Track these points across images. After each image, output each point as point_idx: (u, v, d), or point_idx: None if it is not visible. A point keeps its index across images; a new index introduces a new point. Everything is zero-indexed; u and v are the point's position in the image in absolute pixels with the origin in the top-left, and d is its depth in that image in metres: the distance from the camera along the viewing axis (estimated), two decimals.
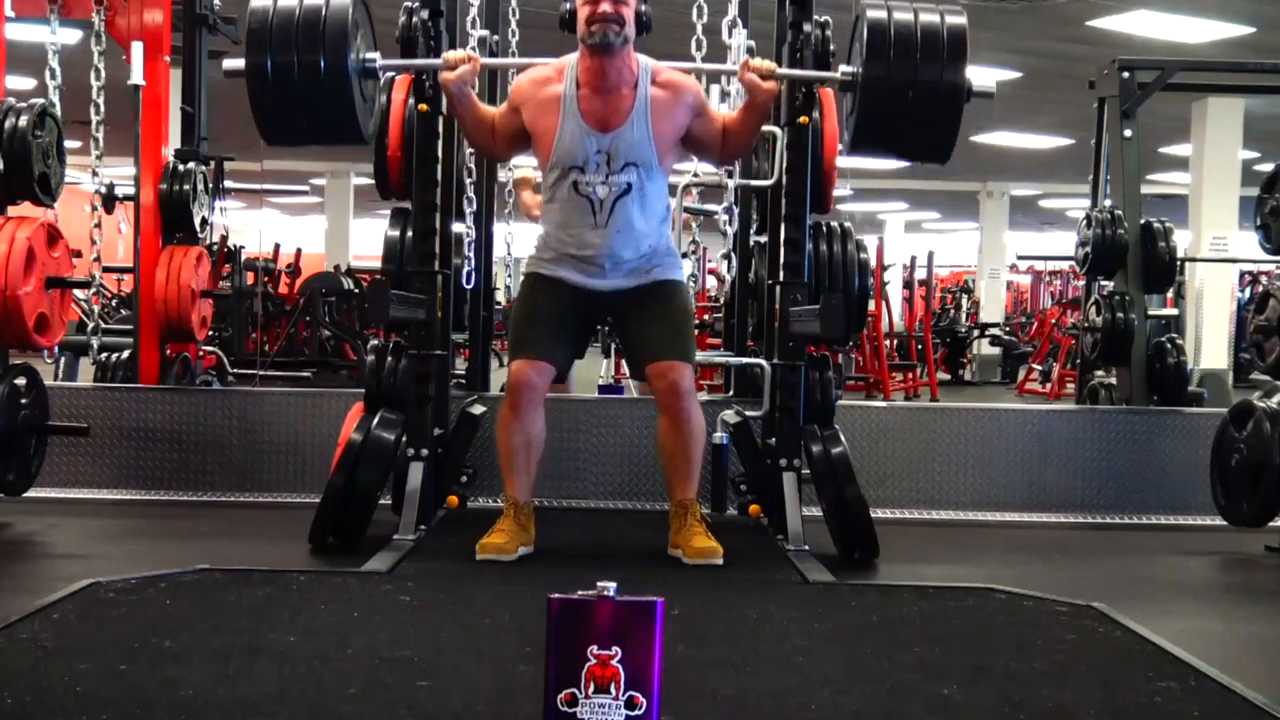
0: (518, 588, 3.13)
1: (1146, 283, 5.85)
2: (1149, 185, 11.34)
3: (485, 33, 4.37)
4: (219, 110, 5.94)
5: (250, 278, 10.14)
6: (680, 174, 4.75)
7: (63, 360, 6.63)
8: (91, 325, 5.68)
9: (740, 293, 4.83)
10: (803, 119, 3.87)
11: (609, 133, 3.49)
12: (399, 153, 4.25)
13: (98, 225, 5.66)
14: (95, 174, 5.65)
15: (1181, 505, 4.79)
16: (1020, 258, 17.85)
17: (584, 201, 3.52)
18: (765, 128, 4.18)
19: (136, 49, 5.20)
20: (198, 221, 5.46)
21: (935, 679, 2.38)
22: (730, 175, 4.62)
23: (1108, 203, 6.14)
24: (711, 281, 11.65)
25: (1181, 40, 9.50)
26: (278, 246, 13.31)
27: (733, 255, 4.82)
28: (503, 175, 5.65)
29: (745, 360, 4.49)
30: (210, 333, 6.43)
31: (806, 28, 3.82)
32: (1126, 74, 5.92)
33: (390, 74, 4.33)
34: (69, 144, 4.43)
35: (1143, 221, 5.83)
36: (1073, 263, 6.80)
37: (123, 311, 10.47)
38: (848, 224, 4.50)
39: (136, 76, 5.21)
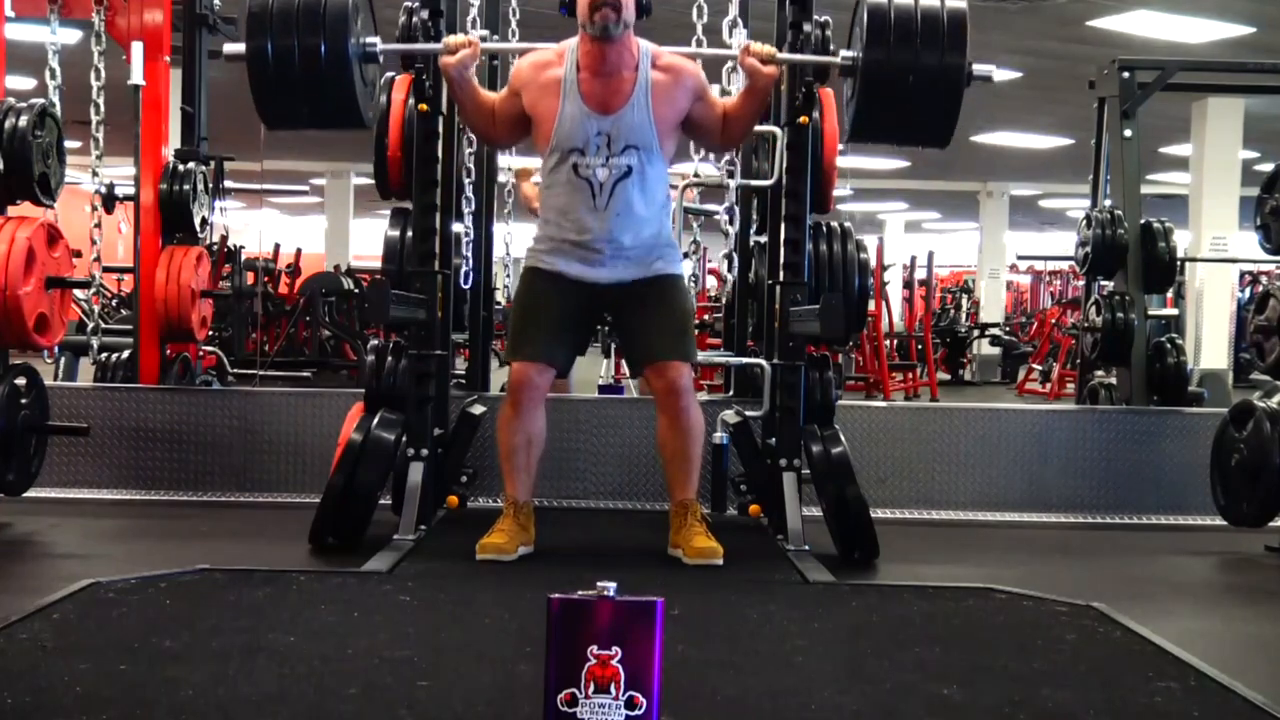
0: (518, 588, 3.13)
1: (1146, 283, 5.85)
2: (1149, 185, 11.31)
3: (485, 33, 4.37)
4: (219, 110, 5.95)
5: (250, 278, 10.13)
6: (680, 174, 4.76)
7: (63, 360, 6.62)
8: (91, 325, 5.68)
9: (740, 293, 4.83)
10: (803, 119, 3.87)
11: (610, 115, 3.48)
12: (399, 153, 4.26)
13: (98, 225, 5.67)
14: (95, 174, 5.65)
15: (1181, 505, 4.78)
16: (1020, 258, 17.83)
17: (584, 184, 3.50)
18: (765, 128, 4.19)
19: (136, 49, 5.20)
20: (198, 221, 5.46)
21: (935, 679, 2.37)
22: (731, 175, 4.62)
23: (1108, 203, 6.14)
24: (712, 281, 11.67)
25: (1181, 40, 9.49)
26: (278, 246, 13.30)
27: (733, 255, 4.82)
28: (502, 176, 5.65)
29: (745, 360, 4.49)
30: (210, 333, 6.43)
31: (806, 27, 3.82)
32: (1126, 74, 5.92)
33: (390, 74, 4.35)
34: (69, 144, 4.43)
35: (1143, 221, 5.83)
36: (1073, 263, 6.80)
37: (123, 311, 10.48)
38: (848, 224, 4.50)
39: (136, 76, 5.21)
